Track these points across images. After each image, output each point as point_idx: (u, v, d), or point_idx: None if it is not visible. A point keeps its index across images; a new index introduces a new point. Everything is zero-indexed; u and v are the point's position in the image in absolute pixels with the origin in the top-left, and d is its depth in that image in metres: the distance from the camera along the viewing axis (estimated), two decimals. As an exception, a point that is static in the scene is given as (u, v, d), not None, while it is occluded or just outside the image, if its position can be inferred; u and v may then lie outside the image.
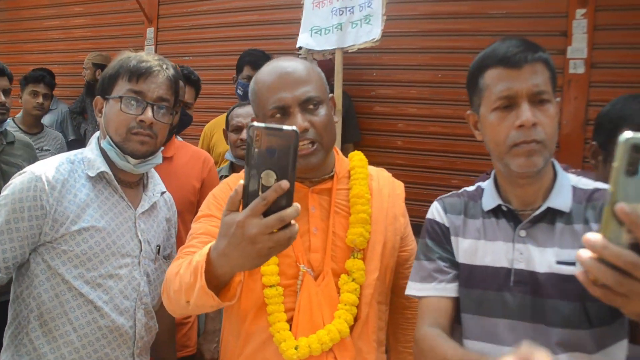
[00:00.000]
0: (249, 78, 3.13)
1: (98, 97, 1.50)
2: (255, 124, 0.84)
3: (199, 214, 1.43)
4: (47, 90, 3.93)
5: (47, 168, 1.41)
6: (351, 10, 2.89)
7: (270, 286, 1.30)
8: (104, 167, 1.45)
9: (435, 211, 1.39)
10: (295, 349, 1.26)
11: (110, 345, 1.43)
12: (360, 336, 1.33)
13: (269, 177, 0.85)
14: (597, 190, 1.24)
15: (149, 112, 1.43)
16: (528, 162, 1.17)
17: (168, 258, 1.65)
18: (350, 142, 3.51)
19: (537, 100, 1.18)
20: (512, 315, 1.22)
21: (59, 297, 1.38)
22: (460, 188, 1.44)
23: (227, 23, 4.35)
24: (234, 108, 2.60)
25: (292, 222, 0.89)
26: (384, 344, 1.43)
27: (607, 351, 1.16)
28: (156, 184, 1.63)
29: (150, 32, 4.70)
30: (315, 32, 2.99)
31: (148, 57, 1.49)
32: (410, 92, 3.62)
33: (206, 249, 1.06)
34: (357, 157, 1.49)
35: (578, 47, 3.14)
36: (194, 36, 4.53)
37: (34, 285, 1.39)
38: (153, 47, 4.64)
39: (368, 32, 2.84)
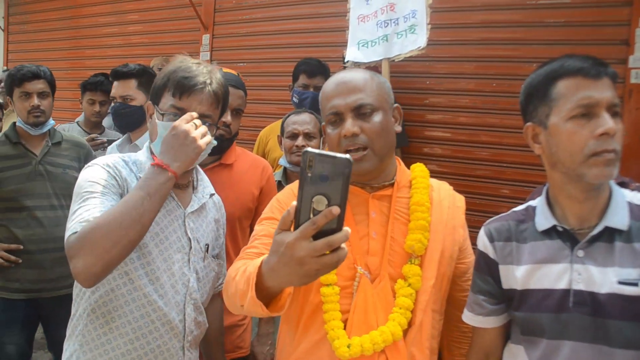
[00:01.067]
0: (305, 86, 3.19)
1: (149, 103, 1.56)
2: (309, 149, 0.86)
3: (262, 216, 1.49)
4: (103, 97, 3.96)
5: (111, 161, 1.48)
6: (396, 22, 2.91)
7: (327, 285, 1.34)
8: None
9: (480, 240, 1.41)
10: (348, 347, 1.29)
11: (162, 337, 1.48)
12: (414, 342, 1.35)
13: (320, 202, 0.87)
14: None
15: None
16: (605, 171, 1.17)
17: (217, 257, 1.70)
18: (397, 147, 3.50)
19: (612, 112, 1.18)
20: (573, 337, 1.21)
21: (114, 292, 1.44)
22: (509, 198, 1.43)
23: (280, 30, 4.41)
24: (289, 115, 2.65)
25: (342, 245, 0.91)
26: (436, 353, 1.44)
27: None
28: (205, 186, 1.68)
29: (205, 38, 4.81)
30: (362, 45, 3.03)
31: (196, 69, 1.51)
32: (463, 101, 3.59)
33: (259, 261, 1.11)
34: (419, 168, 1.52)
35: (641, 56, 3.06)
36: (248, 43, 4.60)
37: None
38: (208, 53, 4.75)
39: (414, 41, 2.86)
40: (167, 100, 1.50)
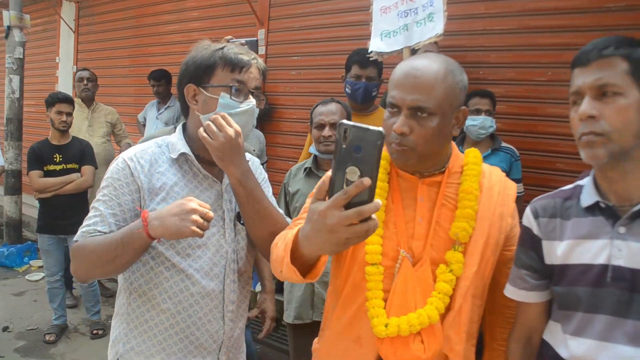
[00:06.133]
0: (357, 77, 3.22)
1: (190, 85, 1.57)
2: (344, 122, 0.89)
3: (312, 191, 1.54)
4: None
5: (137, 151, 1.55)
6: (415, 11, 2.94)
7: (372, 264, 1.37)
8: (184, 149, 1.56)
9: (525, 216, 1.43)
10: (385, 326, 1.33)
11: (202, 310, 1.54)
12: (452, 325, 1.36)
13: (353, 172, 0.89)
14: None
15: (253, 100, 1.57)
16: (589, 153, 1.21)
17: None
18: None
19: (600, 93, 1.20)
20: (608, 311, 1.23)
21: (153, 270, 1.52)
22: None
23: (334, 23, 4.47)
24: (317, 106, 2.71)
25: (373, 216, 0.93)
26: (475, 337, 1.45)
27: None
28: None
29: (261, 33, 4.92)
30: (385, 36, 3.08)
31: (240, 49, 1.58)
32: (518, 91, 3.54)
33: (297, 229, 1.16)
34: (473, 154, 1.50)
35: None
36: (302, 37, 4.69)
37: None
38: (264, 47, 4.85)
39: (432, 29, 2.88)
40: (225, 76, 1.54)
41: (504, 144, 3.26)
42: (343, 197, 0.91)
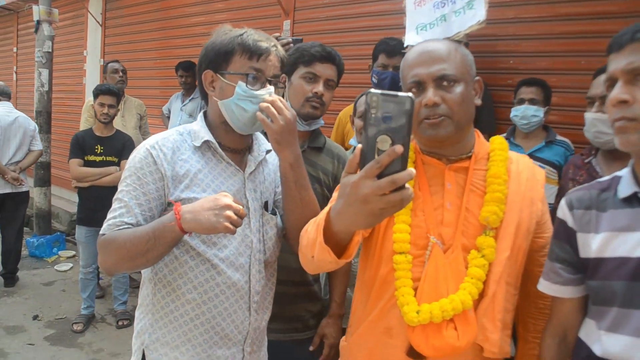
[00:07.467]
0: (384, 66, 3.17)
1: (208, 71, 1.55)
2: (373, 90, 0.87)
3: (338, 186, 1.52)
4: None
5: (159, 139, 1.53)
6: (453, 0, 2.85)
7: (401, 253, 1.35)
8: (207, 136, 1.55)
9: (560, 208, 1.38)
10: (417, 313, 1.29)
11: (228, 300, 1.53)
12: (485, 313, 1.33)
13: (384, 141, 0.88)
14: None
15: (271, 88, 1.53)
16: (622, 139, 1.18)
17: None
18: (485, 132, 3.40)
19: (633, 77, 1.16)
20: None
21: (178, 259, 1.50)
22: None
23: (361, 13, 4.42)
24: (362, 95, 2.65)
25: (406, 185, 0.90)
26: (509, 328, 1.41)
27: None
28: (261, 144, 1.69)
29: (286, 24, 4.90)
30: (421, 29, 2.99)
31: (259, 36, 1.54)
32: (550, 80, 3.44)
33: (327, 208, 1.14)
34: (498, 140, 1.49)
35: None
36: (328, 27, 4.65)
37: None
38: (290, 39, 4.82)
39: (472, 16, 2.79)
40: (243, 63, 1.51)
41: (559, 137, 3.11)
42: (376, 166, 0.88)
